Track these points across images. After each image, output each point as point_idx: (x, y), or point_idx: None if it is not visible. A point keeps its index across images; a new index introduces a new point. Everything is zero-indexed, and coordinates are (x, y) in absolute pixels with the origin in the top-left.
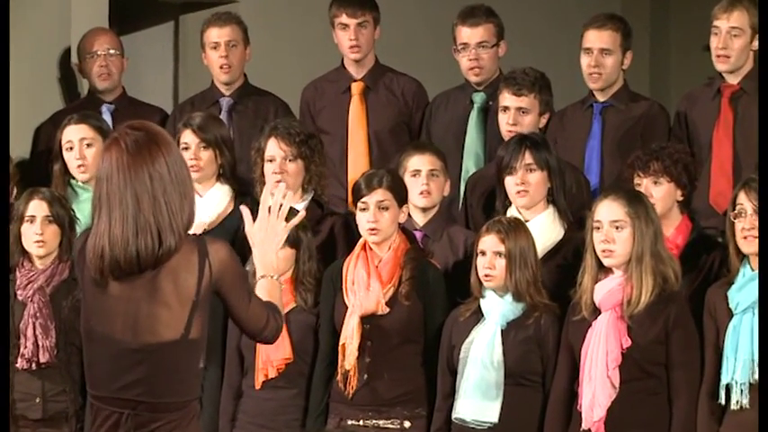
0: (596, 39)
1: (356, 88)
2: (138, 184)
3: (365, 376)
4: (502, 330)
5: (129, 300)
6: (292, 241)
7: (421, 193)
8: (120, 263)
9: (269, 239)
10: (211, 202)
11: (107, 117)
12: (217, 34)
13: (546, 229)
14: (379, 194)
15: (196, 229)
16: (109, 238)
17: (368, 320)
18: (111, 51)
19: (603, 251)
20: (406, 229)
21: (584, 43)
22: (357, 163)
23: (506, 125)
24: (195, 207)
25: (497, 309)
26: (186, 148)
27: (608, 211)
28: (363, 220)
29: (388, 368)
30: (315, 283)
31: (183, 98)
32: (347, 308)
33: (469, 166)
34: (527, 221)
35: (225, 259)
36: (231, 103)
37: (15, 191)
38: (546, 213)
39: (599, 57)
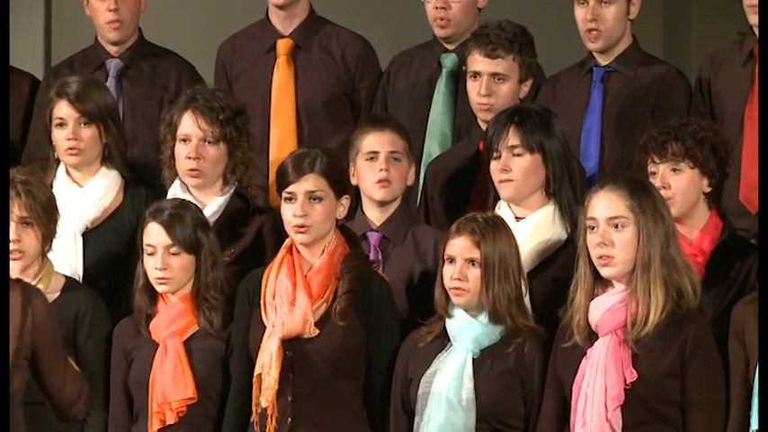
0: None
1: (283, 47)
2: None
3: (288, 419)
4: (474, 360)
5: None
6: (190, 245)
7: (379, 181)
8: None
9: None
10: (94, 192)
11: None
12: None
13: (542, 231)
14: (310, 182)
15: (78, 227)
16: None
17: (291, 345)
18: None
19: (600, 257)
20: (346, 229)
21: None
22: (282, 143)
23: (477, 95)
24: None
25: (468, 332)
26: (62, 125)
27: (605, 206)
28: (289, 214)
29: (316, 408)
30: (223, 298)
31: (58, 60)
32: (266, 328)
33: (433, 148)
34: (519, 220)
35: (44, 313)
36: (121, 66)
37: None
38: (544, 211)
39: (596, 7)
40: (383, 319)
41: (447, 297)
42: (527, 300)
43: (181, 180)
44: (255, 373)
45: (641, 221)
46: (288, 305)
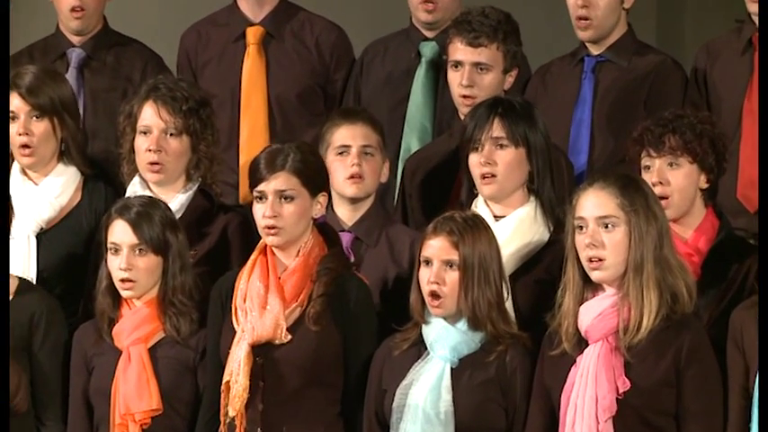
0: None
1: (253, 35)
2: None
3: (258, 430)
4: (452, 370)
5: None
6: (157, 245)
7: (351, 177)
8: None
9: None
10: (51, 191)
11: None
12: None
13: (524, 231)
14: (281, 180)
15: (32, 227)
16: None
17: (262, 351)
18: None
19: (590, 259)
20: (326, 228)
21: None
22: (252, 137)
23: (459, 87)
24: None
25: (446, 340)
26: (13, 118)
27: (594, 204)
28: (259, 215)
29: (288, 419)
30: (191, 304)
31: (14, 49)
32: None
33: (412, 143)
34: (499, 218)
35: None
36: (83, 56)
37: None
38: (525, 209)
39: None
40: (361, 324)
41: (423, 302)
42: (509, 304)
43: (140, 176)
44: (224, 381)
45: (633, 221)
46: (259, 309)
